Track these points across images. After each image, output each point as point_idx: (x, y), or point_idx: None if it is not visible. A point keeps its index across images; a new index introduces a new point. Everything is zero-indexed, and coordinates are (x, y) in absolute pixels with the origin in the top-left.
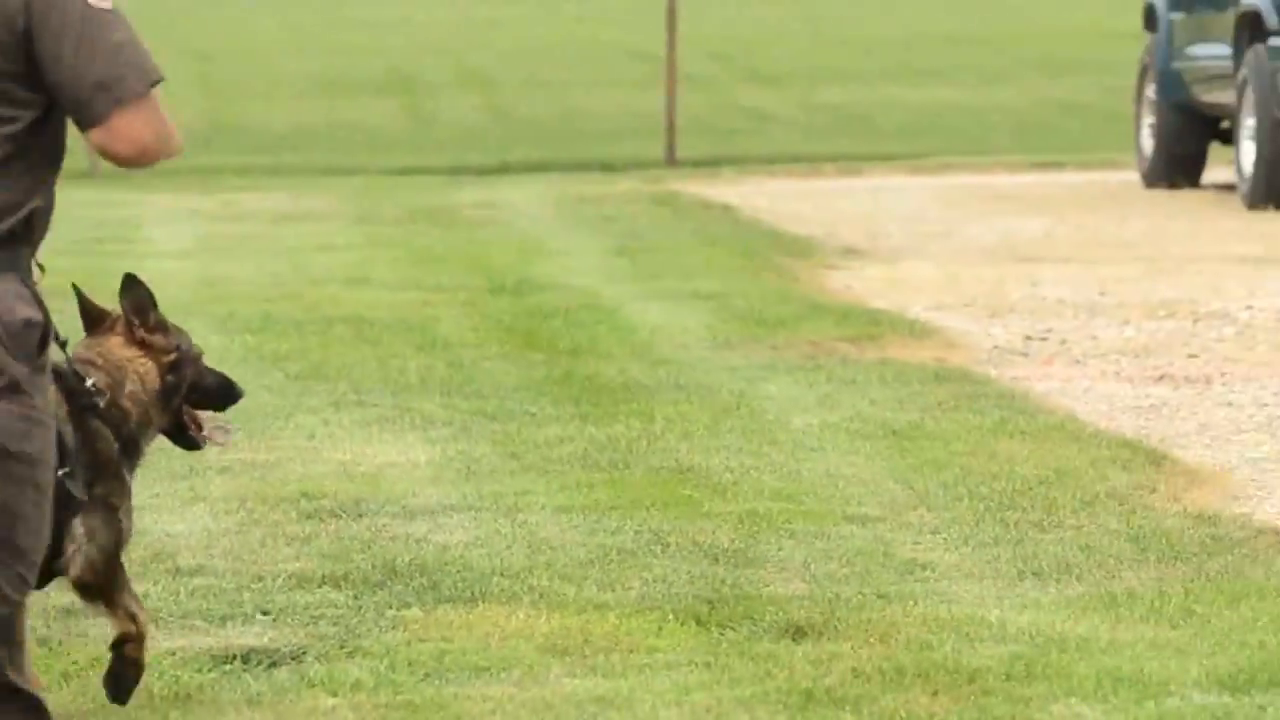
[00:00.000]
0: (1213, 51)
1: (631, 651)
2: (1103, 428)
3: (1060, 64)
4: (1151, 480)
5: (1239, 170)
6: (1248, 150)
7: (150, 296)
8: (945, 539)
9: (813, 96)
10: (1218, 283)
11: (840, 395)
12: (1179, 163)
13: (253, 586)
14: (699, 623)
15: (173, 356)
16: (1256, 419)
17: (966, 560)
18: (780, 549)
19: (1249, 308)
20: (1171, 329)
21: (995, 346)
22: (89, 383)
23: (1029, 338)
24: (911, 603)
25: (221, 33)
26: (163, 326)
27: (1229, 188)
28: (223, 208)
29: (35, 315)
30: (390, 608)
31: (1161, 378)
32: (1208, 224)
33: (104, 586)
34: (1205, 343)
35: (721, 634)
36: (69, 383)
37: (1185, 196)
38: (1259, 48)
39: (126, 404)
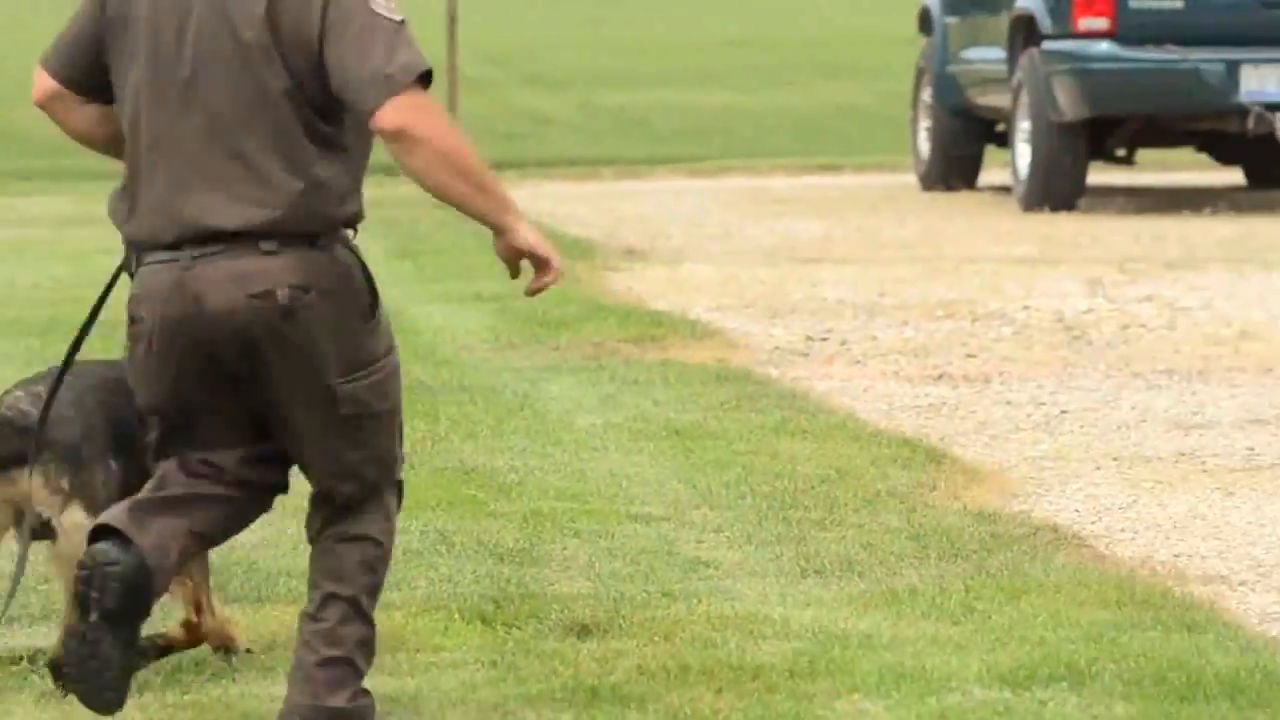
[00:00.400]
0: (988, 55)
1: (418, 651)
2: (883, 427)
3: (838, 68)
4: (931, 478)
5: (1015, 173)
6: (1023, 153)
7: None
8: (728, 537)
9: (592, 100)
10: (995, 283)
11: (623, 395)
12: (955, 165)
13: (39, 589)
14: (485, 622)
15: None
16: (1034, 417)
17: (749, 558)
18: (565, 548)
19: (1026, 308)
20: (950, 329)
21: (776, 347)
22: None
23: (810, 338)
24: (695, 601)
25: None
26: None
27: (1005, 190)
28: (4, 212)
29: (360, 277)
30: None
31: (940, 377)
32: (984, 226)
33: None
34: (983, 342)
35: (507, 633)
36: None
37: (962, 199)
38: (1033, 51)
39: None
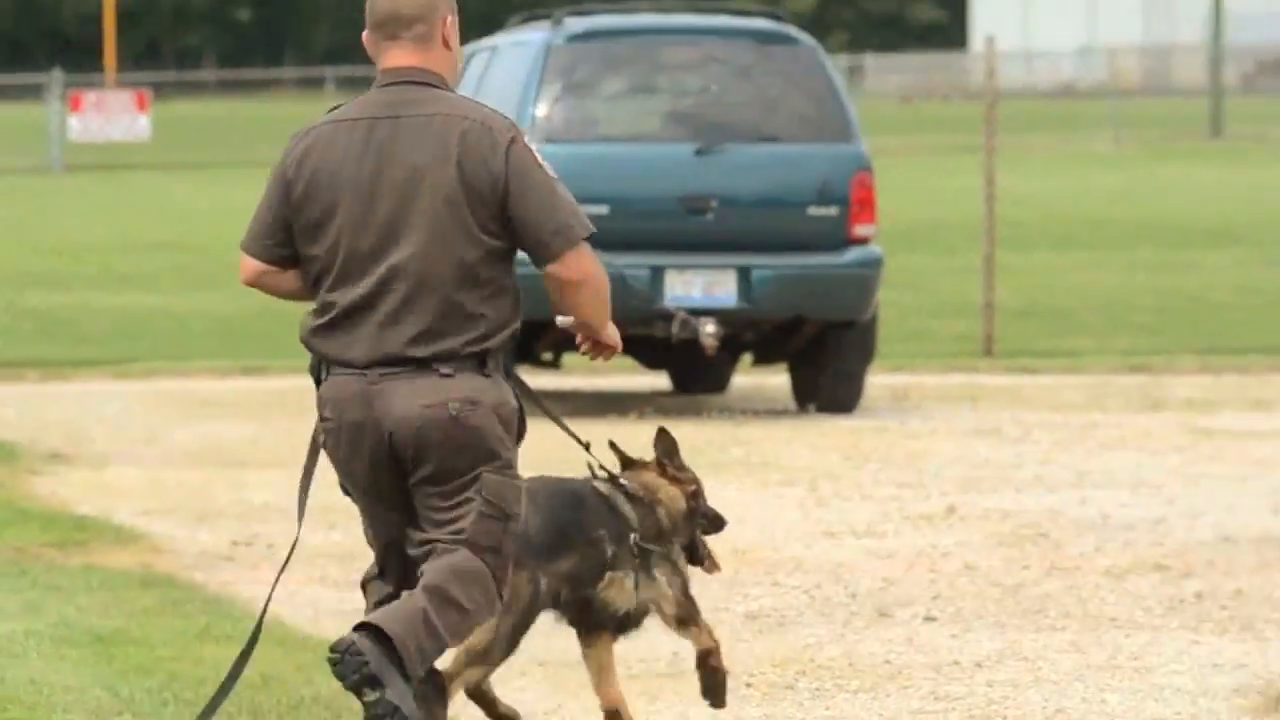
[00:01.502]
0: None
1: None
2: (308, 632)
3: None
4: None
5: None
6: None
7: (675, 444)
8: None
9: (17, 302)
10: None
11: (45, 601)
12: None
13: None
14: None
15: (693, 488)
16: None
17: None
18: None
19: None
20: None
21: (202, 551)
22: (625, 484)
23: (235, 542)
24: None
25: None
26: (684, 467)
27: None
28: None
29: (516, 406)
30: None
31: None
32: None
33: (688, 615)
34: None
35: None
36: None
37: None
38: None
39: (660, 512)
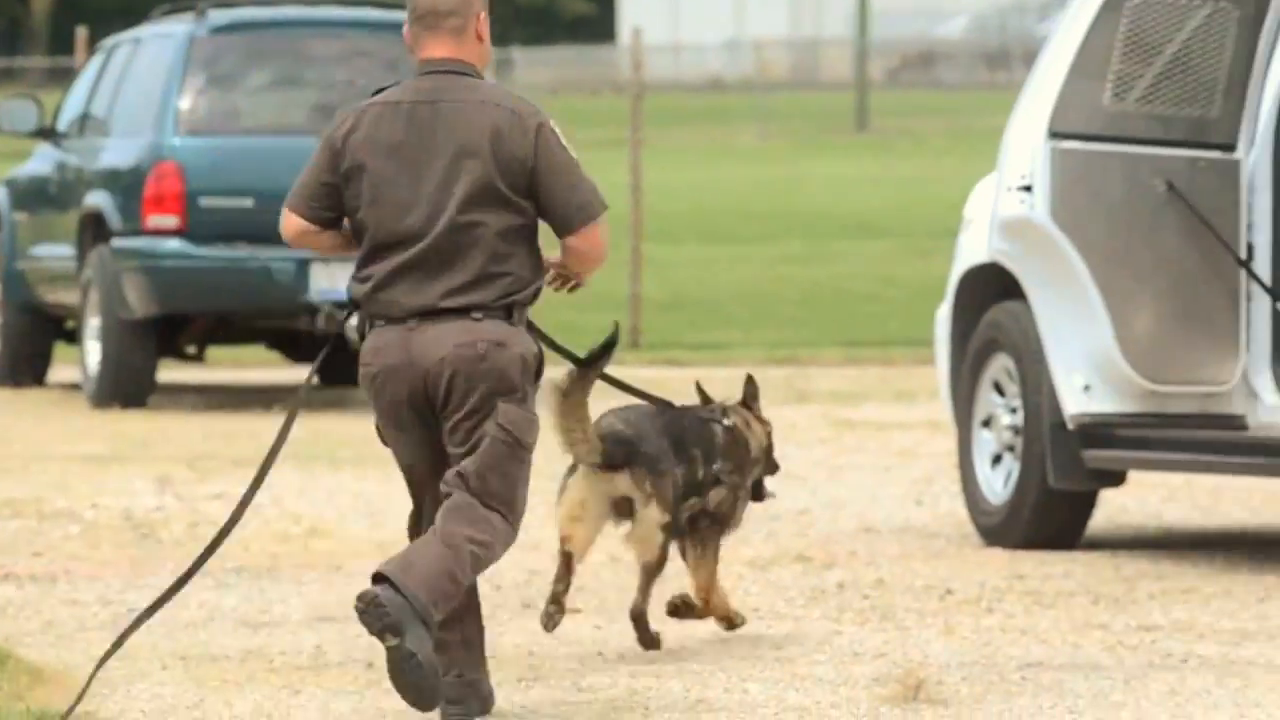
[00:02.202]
0: (57, 252)
1: None
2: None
3: None
4: None
5: (85, 370)
6: (93, 350)
7: (758, 389)
8: None
9: None
10: (64, 481)
11: None
12: (25, 362)
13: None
14: None
15: (770, 429)
16: (100, 616)
17: None
18: None
19: (94, 506)
20: (17, 528)
21: None
22: (724, 419)
23: None
24: None
25: None
26: (762, 412)
27: (75, 387)
28: None
29: (536, 351)
30: None
31: (6, 576)
32: (53, 423)
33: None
34: (51, 541)
35: None
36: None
37: (31, 396)
38: (103, 248)
39: (752, 444)
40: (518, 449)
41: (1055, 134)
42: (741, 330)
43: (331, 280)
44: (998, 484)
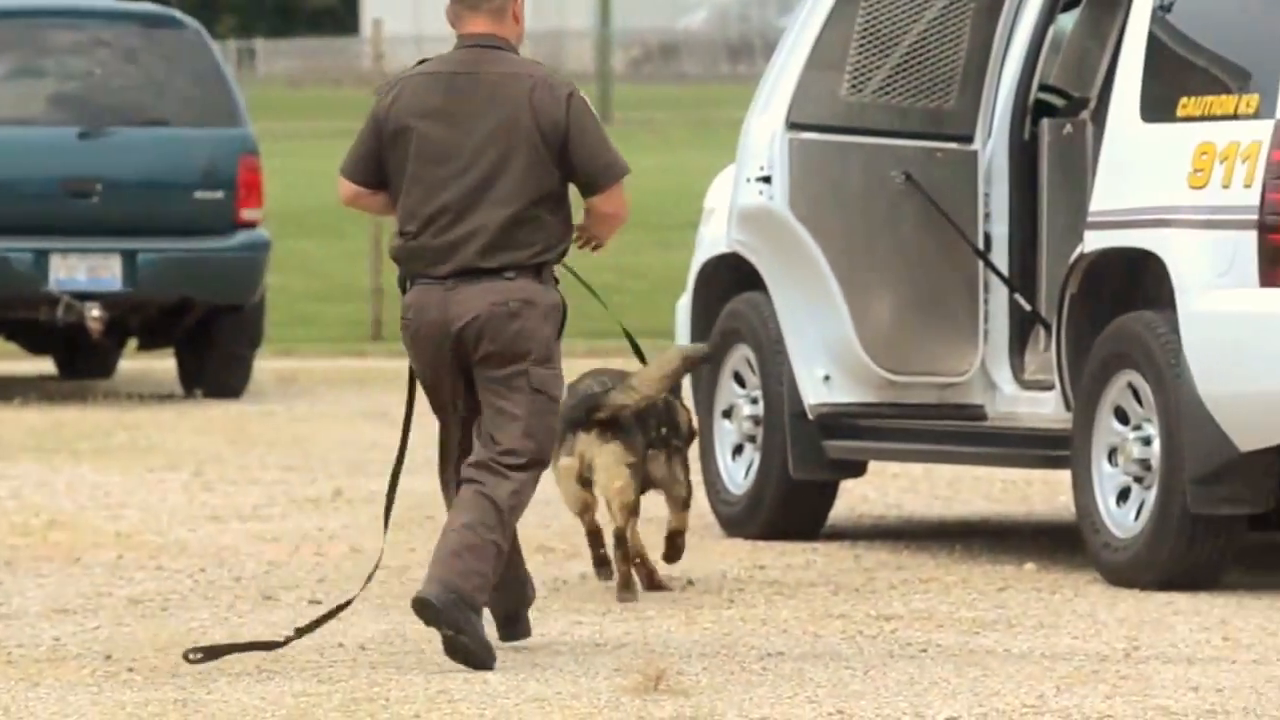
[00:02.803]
0: None
1: None
2: None
3: None
4: None
5: None
6: None
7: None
8: None
9: None
10: None
11: None
12: None
13: None
14: None
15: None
16: None
17: None
18: None
19: None
20: None
21: None
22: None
23: None
24: None
25: None
26: None
27: None
28: None
29: (562, 305)
30: None
31: None
32: None
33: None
34: None
35: None
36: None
37: None
38: None
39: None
40: (551, 404)
41: (793, 125)
42: None
43: (70, 271)
44: (739, 474)
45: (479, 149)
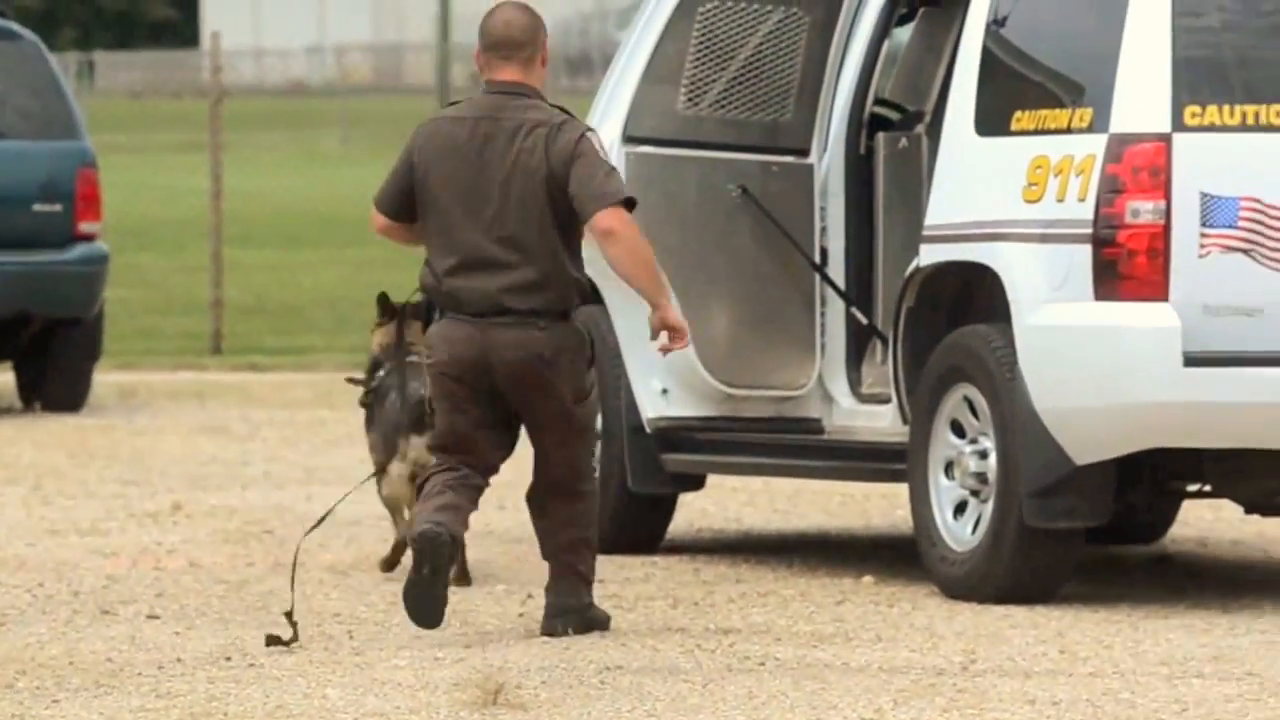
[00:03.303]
0: None
1: None
2: None
3: None
4: None
5: None
6: None
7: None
8: None
9: None
10: None
11: None
12: None
13: None
14: None
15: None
16: None
17: None
18: None
19: None
20: None
21: None
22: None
23: None
24: None
25: None
26: None
27: None
28: None
29: (590, 342)
30: None
31: None
32: None
33: None
34: None
35: None
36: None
37: None
38: None
39: None
40: (590, 434)
41: (630, 139)
42: (323, 335)
43: None
44: None
45: (502, 193)
